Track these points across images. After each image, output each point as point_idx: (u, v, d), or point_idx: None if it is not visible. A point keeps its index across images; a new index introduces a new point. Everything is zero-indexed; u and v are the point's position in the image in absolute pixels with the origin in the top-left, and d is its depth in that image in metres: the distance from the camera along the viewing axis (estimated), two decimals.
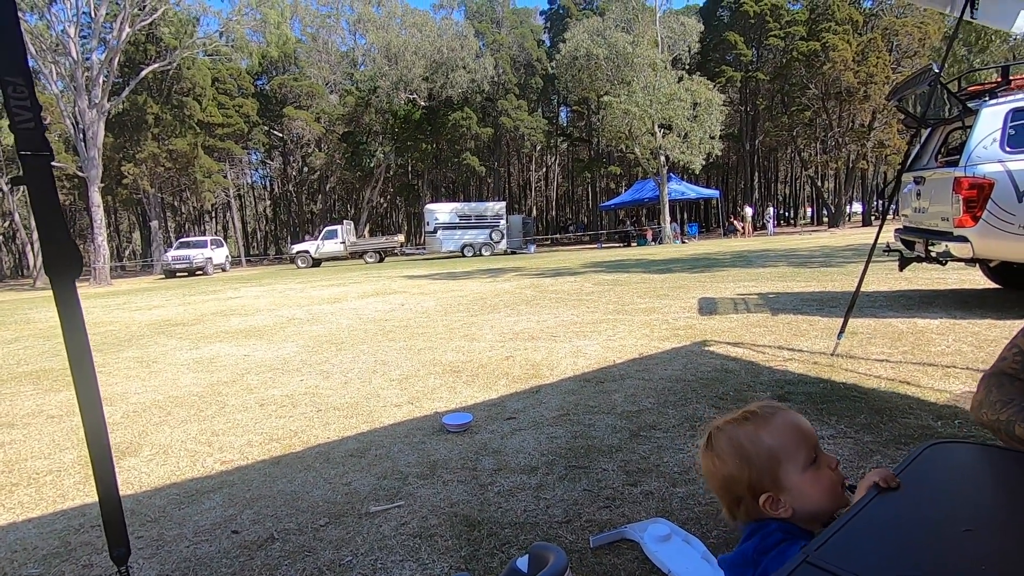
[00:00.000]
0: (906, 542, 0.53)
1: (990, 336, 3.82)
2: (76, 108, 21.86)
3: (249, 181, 46.58)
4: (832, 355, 3.61)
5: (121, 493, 2.33)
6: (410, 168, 41.53)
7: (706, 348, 4.13)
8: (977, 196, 4.17)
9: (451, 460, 2.46)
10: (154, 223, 33.44)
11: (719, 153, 28.60)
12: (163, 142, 30.72)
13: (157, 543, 1.95)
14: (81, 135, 21.82)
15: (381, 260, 26.66)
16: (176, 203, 40.68)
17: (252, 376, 4.32)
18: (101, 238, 22.06)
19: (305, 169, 40.73)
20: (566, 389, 3.38)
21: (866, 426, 2.46)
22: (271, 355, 5.08)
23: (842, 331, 3.71)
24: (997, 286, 5.57)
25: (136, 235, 47.95)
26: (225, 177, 34.45)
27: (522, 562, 1.35)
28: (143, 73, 25.46)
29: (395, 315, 7.14)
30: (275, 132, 38.85)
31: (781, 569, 0.49)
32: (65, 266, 1.29)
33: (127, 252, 47.61)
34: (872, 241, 3.88)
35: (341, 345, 5.33)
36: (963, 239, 4.27)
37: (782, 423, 0.86)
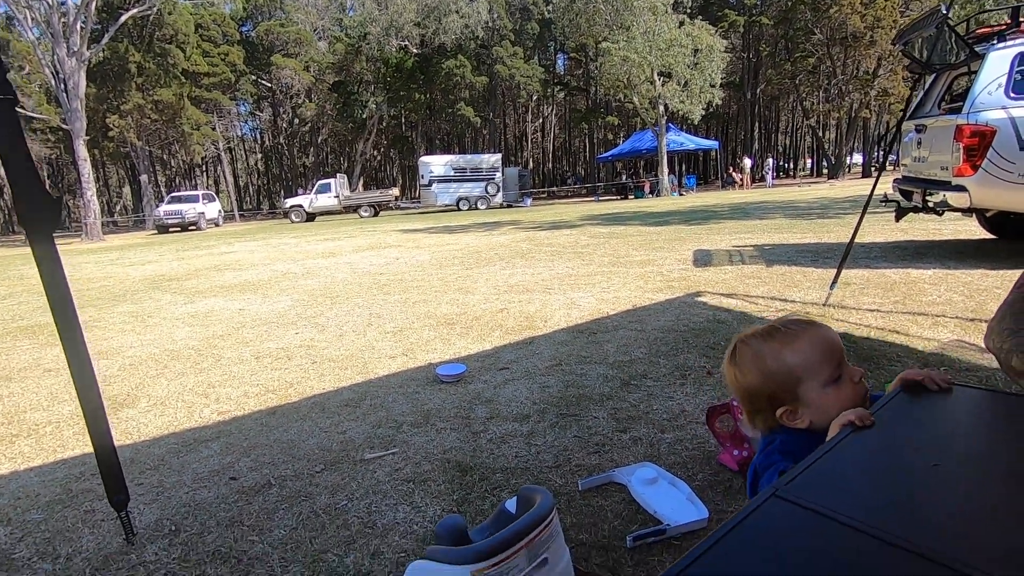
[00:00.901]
0: (874, 477, 0.53)
1: (982, 286, 3.84)
2: (55, 57, 21.06)
3: (239, 133, 45.51)
4: (824, 305, 3.63)
5: (120, 443, 2.37)
6: (403, 119, 40.57)
7: (699, 299, 4.14)
8: (978, 144, 4.10)
9: (444, 409, 2.50)
10: (143, 177, 32.86)
11: (719, 102, 27.96)
12: (148, 92, 29.79)
13: (157, 489, 2.00)
14: (62, 85, 21.11)
15: (376, 214, 26.41)
16: (165, 157, 39.86)
17: (247, 330, 4.34)
18: (90, 193, 21.70)
19: (296, 121, 39.75)
20: (559, 340, 3.41)
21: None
22: (266, 309, 5.09)
23: (835, 282, 3.72)
24: (993, 236, 5.56)
25: (126, 190, 47.19)
26: (214, 129, 33.64)
27: (511, 504, 1.39)
28: (122, 19, 24.41)
29: (390, 269, 7.12)
30: (263, 82, 37.68)
31: (752, 501, 0.50)
32: (41, 217, 1.26)
33: (118, 207, 46.99)
34: (869, 191, 3.84)
35: (336, 299, 5.33)
36: (961, 188, 4.22)
37: (807, 340, 0.88)
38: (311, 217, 26.54)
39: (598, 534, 1.55)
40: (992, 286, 3.82)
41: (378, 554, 1.54)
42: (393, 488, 1.88)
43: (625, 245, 7.63)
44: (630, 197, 26.21)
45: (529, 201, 28.67)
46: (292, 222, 25.64)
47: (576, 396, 2.52)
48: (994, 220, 5.40)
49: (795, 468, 0.54)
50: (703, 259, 5.93)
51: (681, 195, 24.50)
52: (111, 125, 29.13)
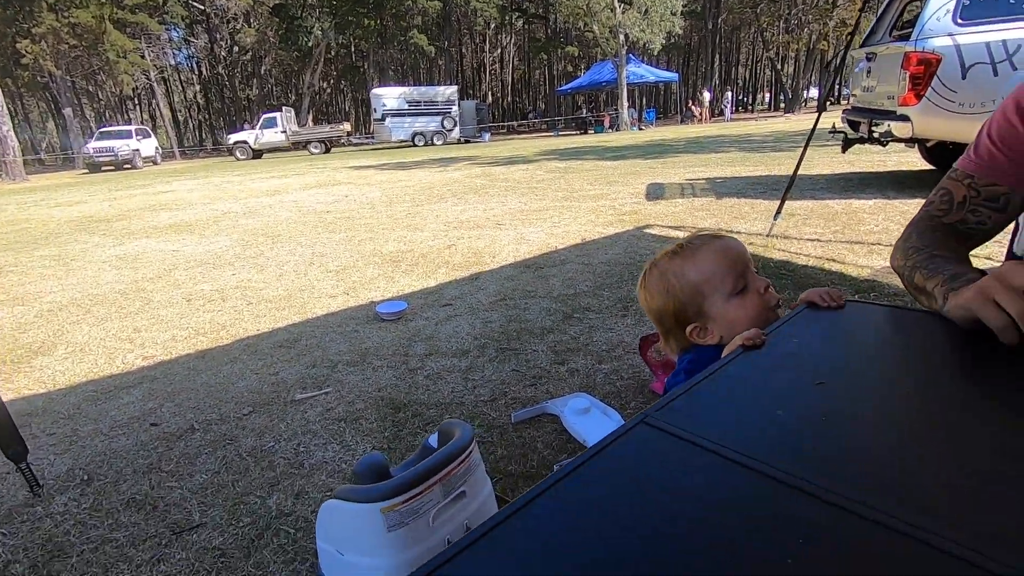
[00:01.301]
0: (752, 400, 0.49)
1: None
2: None
3: (173, 62, 42.00)
4: (767, 236, 3.67)
5: (32, 392, 2.23)
6: (353, 48, 38.18)
7: (648, 231, 4.13)
8: (924, 72, 4.09)
9: (383, 347, 2.44)
10: (68, 111, 30.18)
11: (680, 31, 27.27)
12: (62, 14, 26.86)
13: (70, 439, 1.89)
14: None
15: (327, 150, 25.23)
16: (91, 88, 36.63)
17: (180, 271, 4.11)
18: (6, 128, 19.81)
19: (235, 49, 36.87)
20: (505, 275, 3.35)
21: (787, 302, 2.53)
22: (202, 250, 4.83)
23: (778, 212, 3.75)
24: (932, 167, 5.69)
25: (51, 125, 43.47)
26: (143, 57, 30.88)
27: (434, 439, 1.36)
28: None
29: (337, 207, 6.84)
30: (195, 3, 34.49)
31: (618, 428, 0.45)
32: None
33: (44, 144, 43.38)
34: (813, 123, 3.82)
35: (278, 238, 5.10)
36: (905, 118, 4.25)
37: (708, 253, 0.84)
38: (258, 154, 25.15)
39: (527, 464, 1.55)
40: None
41: (302, 494, 1.50)
42: (323, 428, 1.83)
43: (580, 180, 7.53)
44: (590, 132, 25.77)
45: (487, 136, 27.85)
46: (237, 159, 24.26)
47: (517, 330, 2.49)
48: (934, 150, 5.51)
49: (671, 392, 0.49)
50: (655, 192, 5.90)
51: (640, 129, 24.24)
52: (23, 51, 26.31)
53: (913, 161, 6.27)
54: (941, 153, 5.44)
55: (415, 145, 24.77)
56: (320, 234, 5.12)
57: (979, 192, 0.83)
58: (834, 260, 3.07)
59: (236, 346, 2.60)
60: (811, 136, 3.80)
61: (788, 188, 3.78)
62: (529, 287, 3.08)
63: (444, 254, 3.98)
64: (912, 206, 4.21)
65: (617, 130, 24.70)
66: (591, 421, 1.73)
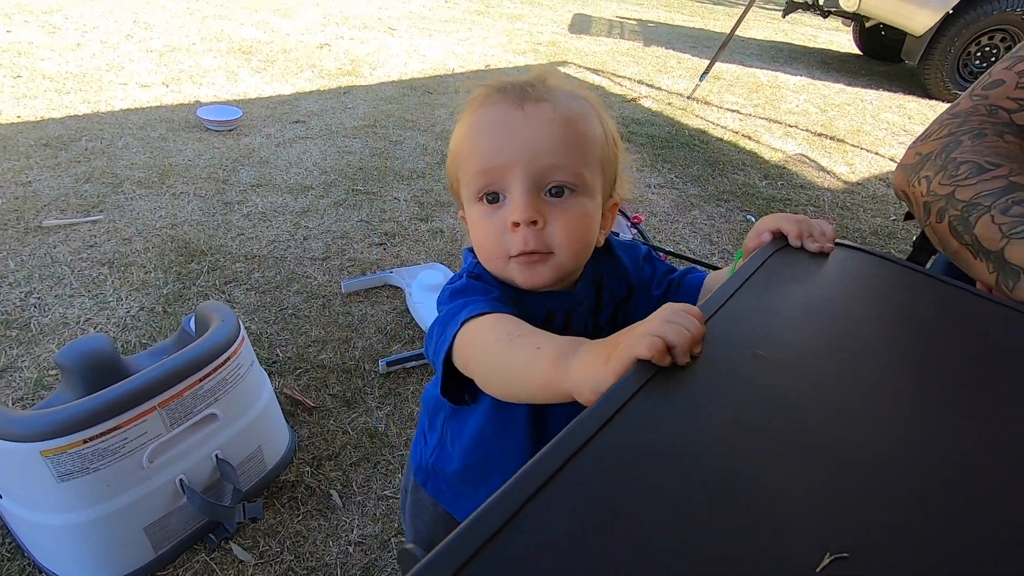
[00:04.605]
0: None
1: (836, 101, 3.74)
2: None
3: None
4: (688, 98, 3.31)
5: None
6: None
7: (562, 70, 3.57)
8: None
9: (195, 166, 1.86)
10: None
11: None
12: None
13: None
14: None
15: None
16: None
17: None
18: None
19: None
20: (383, 95, 2.73)
21: (696, 178, 2.26)
22: None
23: (705, 73, 3.35)
24: (859, 53, 5.49)
25: None
26: None
27: (193, 322, 0.95)
28: None
29: None
30: None
31: None
32: None
33: None
34: None
35: None
36: None
37: (477, 114, 0.46)
38: None
39: (347, 354, 1.21)
40: (845, 102, 3.74)
41: (12, 370, 1.07)
42: (75, 272, 1.33)
43: None
44: None
45: None
46: None
47: (380, 169, 2.00)
48: (866, 35, 5.25)
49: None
50: (581, 25, 5.16)
51: None
52: None
53: (842, 43, 6.00)
54: (872, 39, 5.19)
55: None
56: None
57: None
58: (750, 138, 2.81)
59: None
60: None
61: (721, 49, 3.34)
62: (409, 115, 2.52)
63: (313, 55, 3.18)
64: (833, 91, 4.00)
65: None
66: None
